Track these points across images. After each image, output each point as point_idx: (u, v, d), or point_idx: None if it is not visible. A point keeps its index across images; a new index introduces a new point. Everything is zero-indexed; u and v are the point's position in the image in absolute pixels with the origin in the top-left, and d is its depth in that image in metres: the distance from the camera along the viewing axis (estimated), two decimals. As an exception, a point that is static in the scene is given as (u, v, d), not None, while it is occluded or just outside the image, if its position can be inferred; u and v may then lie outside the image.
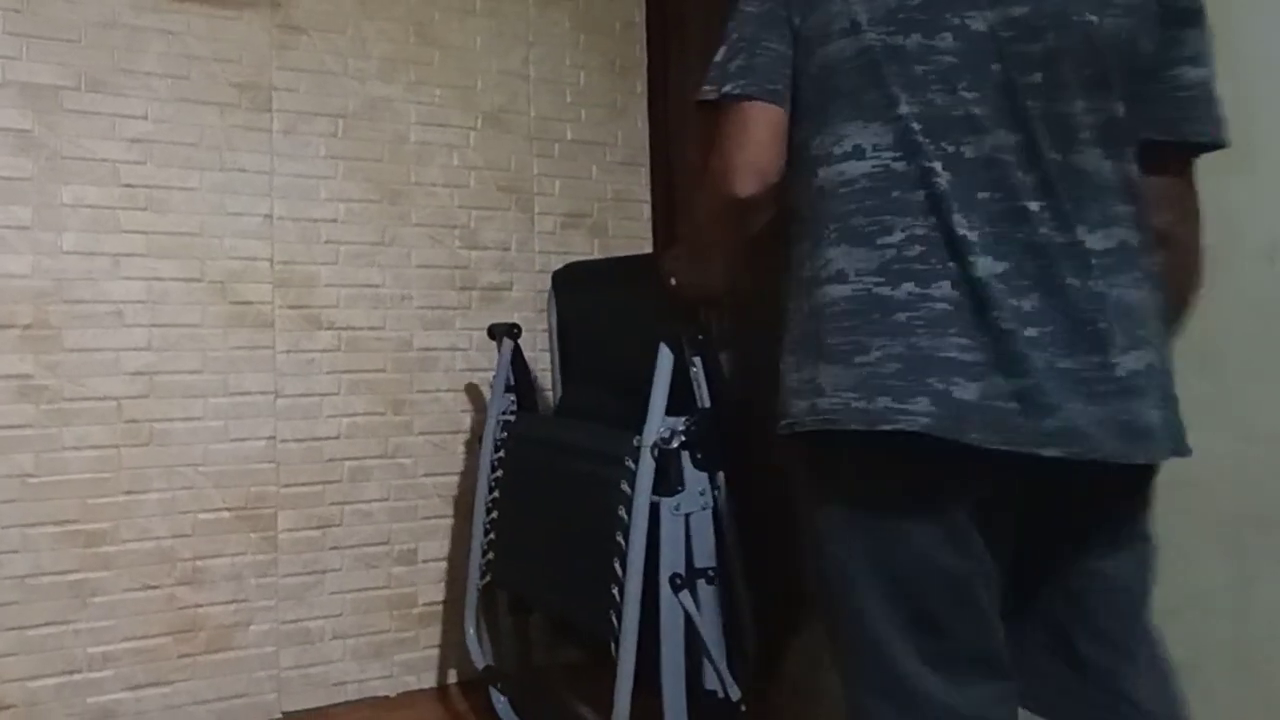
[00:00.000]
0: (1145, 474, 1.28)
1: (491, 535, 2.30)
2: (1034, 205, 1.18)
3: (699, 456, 1.80)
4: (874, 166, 1.21)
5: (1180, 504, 1.71)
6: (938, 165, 1.19)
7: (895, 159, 1.20)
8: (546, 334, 2.52)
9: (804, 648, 2.27)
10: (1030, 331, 1.16)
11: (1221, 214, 1.64)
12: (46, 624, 2.17)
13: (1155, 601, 1.72)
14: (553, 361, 2.47)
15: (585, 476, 1.95)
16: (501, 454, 2.33)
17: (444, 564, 2.58)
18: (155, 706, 2.27)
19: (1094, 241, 1.19)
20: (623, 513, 1.76)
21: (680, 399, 1.80)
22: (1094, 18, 1.18)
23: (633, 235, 2.87)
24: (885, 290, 1.18)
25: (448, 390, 2.60)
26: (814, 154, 1.27)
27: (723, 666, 1.79)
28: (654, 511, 1.75)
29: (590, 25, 2.80)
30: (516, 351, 2.43)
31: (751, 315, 2.04)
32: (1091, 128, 1.20)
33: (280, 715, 2.39)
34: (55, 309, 2.19)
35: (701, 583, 1.77)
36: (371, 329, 2.51)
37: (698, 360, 1.83)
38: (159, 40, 2.30)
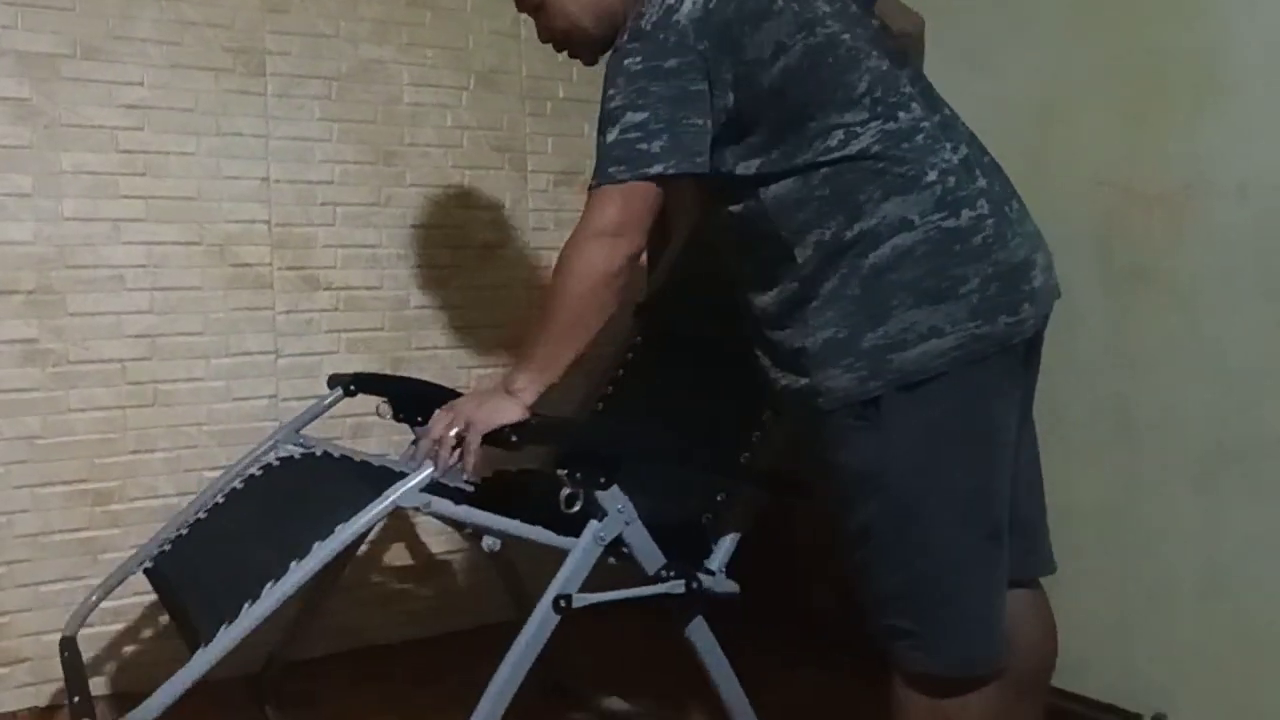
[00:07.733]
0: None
1: None
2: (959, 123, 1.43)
3: (602, 480, 1.58)
4: (875, 134, 1.33)
5: (1152, 437, 1.75)
6: (916, 110, 1.36)
7: (883, 123, 1.33)
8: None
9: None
10: (1012, 210, 1.37)
11: (1193, 153, 1.67)
12: (58, 580, 2.23)
13: (1128, 533, 1.77)
14: None
15: None
16: None
17: (445, 518, 2.63)
18: (164, 658, 2.33)
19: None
20: None
21: None
22: None
23: (626, 193, 2.88)
24: (951, 223, 1.29)
25: (445, 348, 2.64)
26: (811, 147, 1.34)
27: None
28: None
29: (581, -16, 2.80)
30: None
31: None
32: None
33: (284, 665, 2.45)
34: (58, 274, 2.23)
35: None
36: (369, 289, 2.55)
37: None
38: (152, 6, 2.32)
